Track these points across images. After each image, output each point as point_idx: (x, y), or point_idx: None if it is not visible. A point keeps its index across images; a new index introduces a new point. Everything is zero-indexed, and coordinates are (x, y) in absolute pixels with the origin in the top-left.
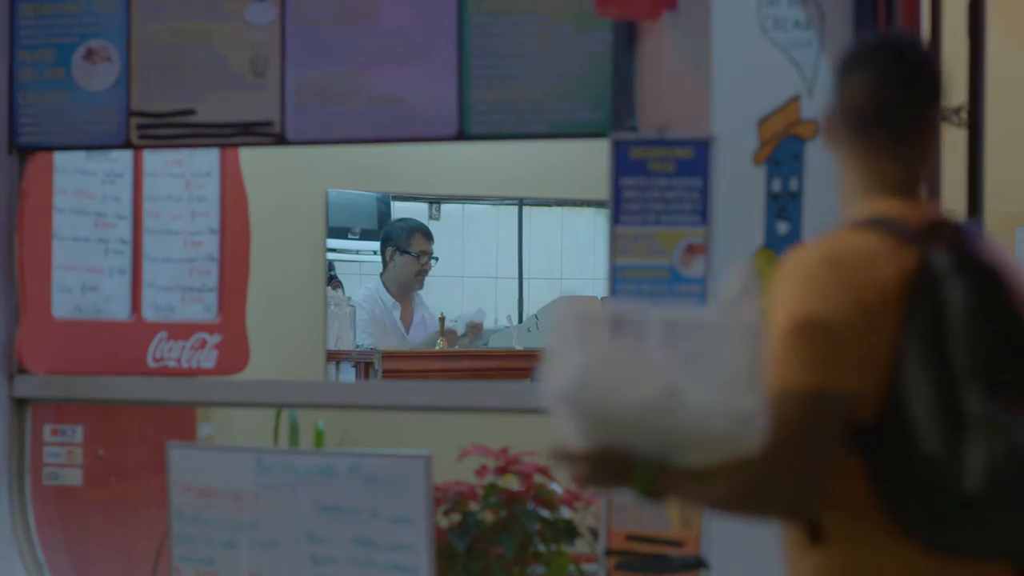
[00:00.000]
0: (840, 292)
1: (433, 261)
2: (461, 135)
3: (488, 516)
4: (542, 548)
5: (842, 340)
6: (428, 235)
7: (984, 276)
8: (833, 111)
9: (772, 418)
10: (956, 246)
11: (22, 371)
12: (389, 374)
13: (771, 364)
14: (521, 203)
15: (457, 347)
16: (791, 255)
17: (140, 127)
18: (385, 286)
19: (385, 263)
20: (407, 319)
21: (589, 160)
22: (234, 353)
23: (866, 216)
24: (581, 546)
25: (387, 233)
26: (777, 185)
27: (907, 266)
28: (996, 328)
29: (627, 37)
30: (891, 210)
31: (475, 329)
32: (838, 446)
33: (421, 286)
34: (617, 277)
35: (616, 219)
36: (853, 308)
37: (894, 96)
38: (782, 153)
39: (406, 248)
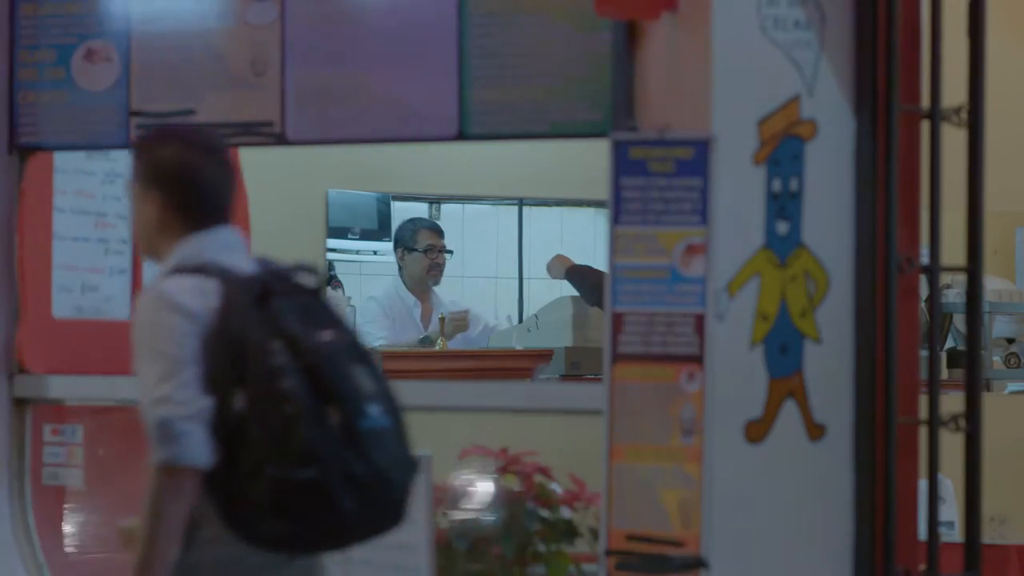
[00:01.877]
0: None
1: (447, 255)
2: (461, 135)
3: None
4: (542, 548)
5: None
6: (434, 229)
7: None
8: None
9: None
10: None
11: (22, 371)
12: (389, 374)
13: None
14: (521, 203)
15: (447, 341)
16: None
17: (140, 127)
18: (405, 285)
19: (399, 264)
20: (426, 315)
21: (589, 160)
22: None
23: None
24: (581, 546)
25: (396, 235)
26: (777, 185)
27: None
28: None
29: (627, 37)
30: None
31: (458, 320)
32: None
33: (436, 281)
34: (617, 277)
35: (616, 219)
36: None
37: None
38: (782, 153)
39: (413, 246)
